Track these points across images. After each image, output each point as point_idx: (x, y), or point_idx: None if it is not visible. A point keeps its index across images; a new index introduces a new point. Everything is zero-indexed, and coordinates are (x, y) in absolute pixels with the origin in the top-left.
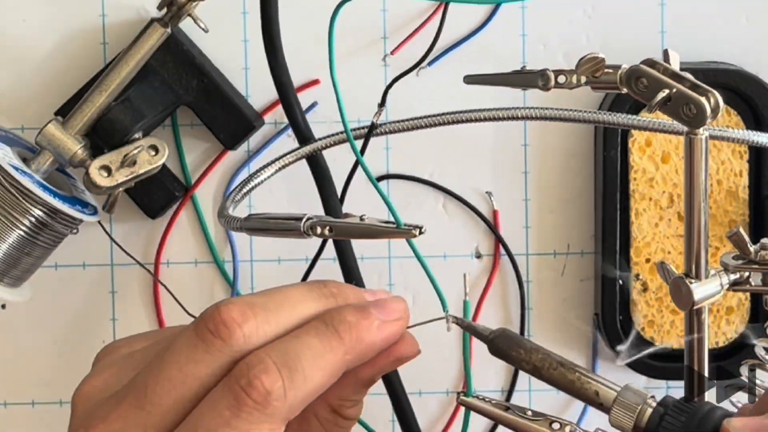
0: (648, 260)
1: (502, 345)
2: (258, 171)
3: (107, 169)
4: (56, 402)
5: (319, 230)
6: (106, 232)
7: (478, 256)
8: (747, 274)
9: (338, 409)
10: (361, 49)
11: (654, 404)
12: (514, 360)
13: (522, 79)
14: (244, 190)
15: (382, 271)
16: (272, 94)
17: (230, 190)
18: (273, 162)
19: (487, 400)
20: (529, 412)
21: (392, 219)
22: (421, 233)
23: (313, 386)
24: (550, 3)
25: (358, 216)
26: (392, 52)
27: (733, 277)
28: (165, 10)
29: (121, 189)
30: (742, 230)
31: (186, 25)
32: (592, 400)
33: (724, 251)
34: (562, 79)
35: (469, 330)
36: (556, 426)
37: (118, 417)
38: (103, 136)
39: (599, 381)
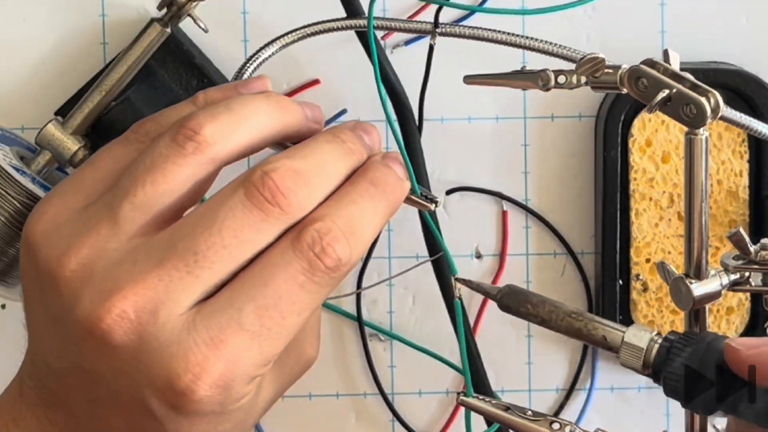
0: (648, 260)
1: (510, 302)
2: (259, 50)
3: None
4: None
5: None
6: None
7: (478, 256)
8: (747, 274)
9: None
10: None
11: (660, 340)
12: (523, 315)
13: (522, 79)
14: (246, 75)
15: (382, 271)
16: None
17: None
18: (275, 40)
19: (487, 400)
20: (529, 412)
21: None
22: (436, 206)
23: (367, 247)
24: (550, 3)
25: None
26: (383, 38)
27: (733, 277)
28: (165, 10)
29: None
30: (742, 230)
31: (186, 25)
32: (601, 343)
33: (724, 251)
34: (562, 79)
35: (478, 290)
36: (556, 426)
37: (158, 280)
38: (103, 136)
39: (606, 325)
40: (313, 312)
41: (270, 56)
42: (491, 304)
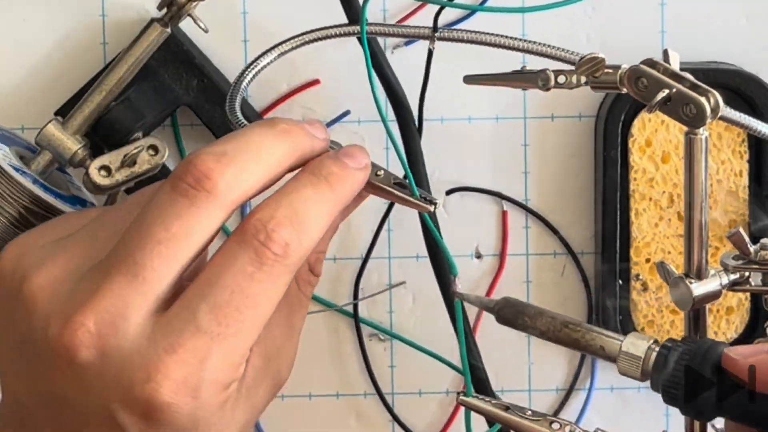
0: (648, 260)
1: (507, 314)
2: (257, 58)
3: (107, 169)
4: None
5: None
6: None
7: (478, 256)
8: (747, 274)
9: (314, 265)
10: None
11: (657, 348)
12: (521, 327)
13: (522, 79)
14: (245, 83)
15: (382, 271)
16: (272, 94)
17: (232, 86)
18: (273, 48)
19: (486, 400)
20: (529, 412)
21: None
22: (435, 208)
23: (318, 235)
24: (550, 3)
25: (374, 166)
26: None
27: (732, 277)
28: (165, 10)
29: (121, 189)
30: (742, 230)
31: (186, 25)
32: (599, 353)
33: (724, 251)
34: (561, 79)
35: (475, 303)
36: (555, 426)
37: (110, 291)
38: (103, 136)
39: (603, 334)
40: (273, 304)
41: (268, 64)
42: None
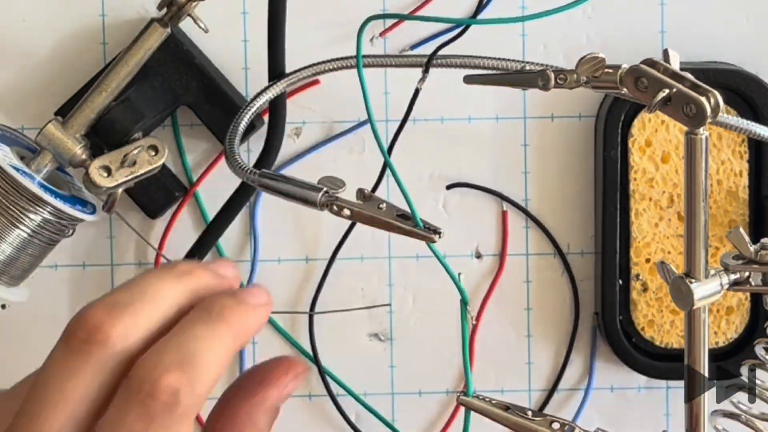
0: (648, 260)
1: None
2: (255, 96)
3: (107, 169)
4: None
5: (335, 209)
6: (136, 231)
7: (478, 256)
8: (747, 273)
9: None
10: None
11: None
12: None
13: (522, 79)
14: (244, 120)
15: (382, 271)
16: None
17: (230, 132)
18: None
19: (487, 400)
20: (529, 412)
21: (409, 212)
22: (439, 237)
23: (214, 376)
24: (550, 3)
25: (376, 199)
26: (381, 34)
27: (733, 276)
28: (165, 10)
29: (121, 189)
30: (741, 230)
31: (186, 25)
32: None
33: (724, 251)
34: (562, 79)
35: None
36: (556, 426)
37: None
38: (103, 136)
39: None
40: None
41: (265, 102)
42: (491, 305)
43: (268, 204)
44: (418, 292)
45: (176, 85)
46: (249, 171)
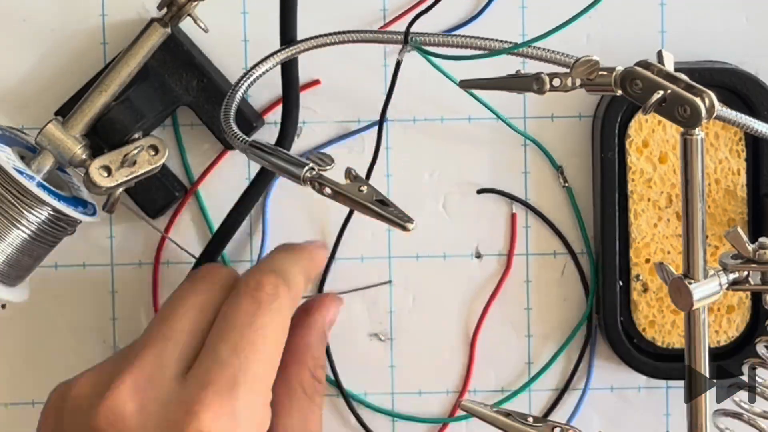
0: (648, 261)
1: None
2: (254, 66)
3: (107, 169)
4: None
5: (317, 186)
6: (157, 230)
7: (478, 256)
8: (746, 273)
9: (314, 371)
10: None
11: None
12: None
13: (517, 83)
14: (240, 92)
15: (382, 271)
16: (272, 94)
17: (228, 95)
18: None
19: (488, 405)
20: (530, 419)
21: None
22: (412, 227)
23: (301, 284)
24: (549, 3)
25: (360, 180)
26: (384, 27)
27: (732, 276)
28: (165, 10)
29: (121, 189)
30: (740, 229)
31: (186, 25)
32: None
33: (724, 250)
34: (557, 82)
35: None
36: (557, 431)
37: (149, 355)
38: (103, 136)
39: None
40: (279, 335)
41: (264, 73)
42: (493, 305)
43: (276, 204)
44: (418, 292)
45: (176, 85)
46: (241, 140)
